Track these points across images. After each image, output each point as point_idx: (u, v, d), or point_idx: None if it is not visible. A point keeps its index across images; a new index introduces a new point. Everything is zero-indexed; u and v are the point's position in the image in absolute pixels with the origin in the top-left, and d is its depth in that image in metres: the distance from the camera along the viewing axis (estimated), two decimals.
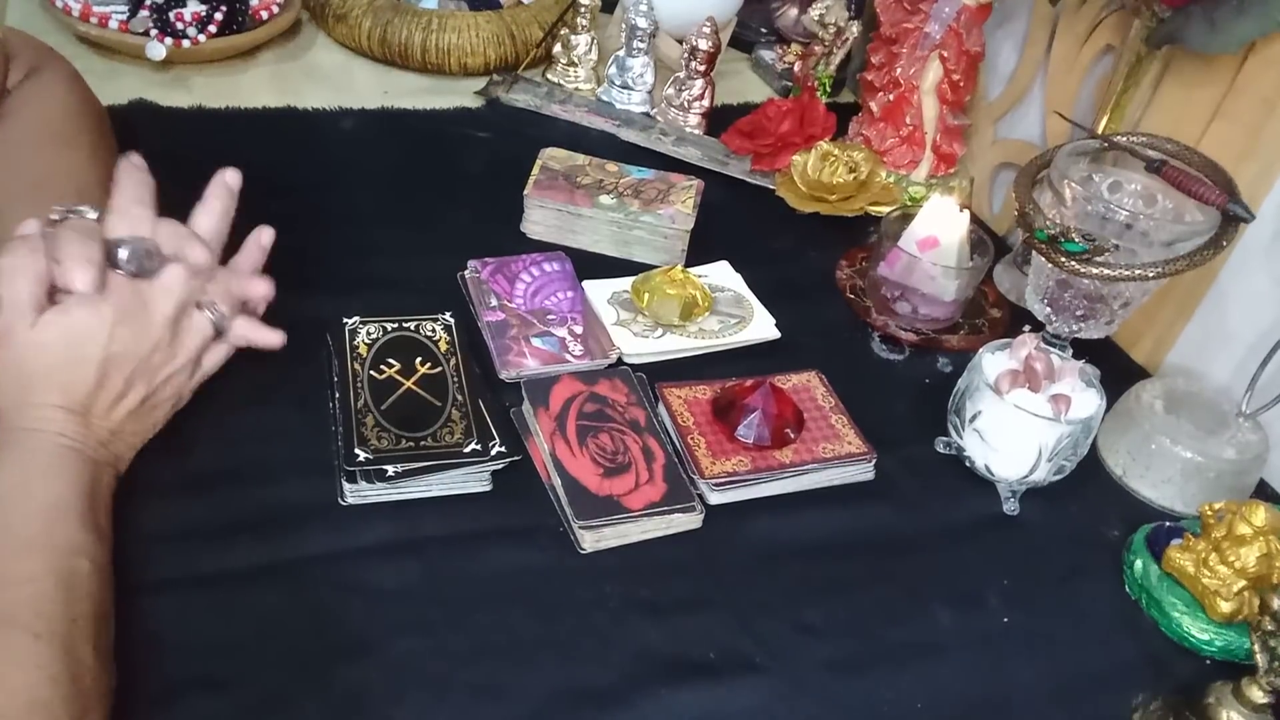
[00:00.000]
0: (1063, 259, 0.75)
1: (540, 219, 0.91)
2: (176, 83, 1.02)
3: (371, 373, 0.71)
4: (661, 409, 0.74)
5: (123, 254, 0.61)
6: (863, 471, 0.74)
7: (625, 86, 1.14)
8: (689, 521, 0.68)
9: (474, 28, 1.12)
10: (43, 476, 0.56)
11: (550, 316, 0.81)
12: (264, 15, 1.08)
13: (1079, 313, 0.80)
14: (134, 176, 0.65)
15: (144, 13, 1.00)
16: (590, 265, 0.88)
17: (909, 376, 0.86)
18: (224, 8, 1.03)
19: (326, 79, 1.09)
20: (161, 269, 0.62)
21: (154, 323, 0.61)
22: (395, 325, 0.75)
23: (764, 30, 1.31)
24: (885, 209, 0.99)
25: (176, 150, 0.92)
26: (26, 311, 0.58)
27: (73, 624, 0.50)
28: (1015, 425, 0.71)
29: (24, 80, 0.76)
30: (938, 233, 0.87)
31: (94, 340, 0.59)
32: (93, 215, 0.63)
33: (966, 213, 0.88)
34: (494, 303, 0.81)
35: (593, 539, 0.65)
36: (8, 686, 0.46)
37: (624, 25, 1.12)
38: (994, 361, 0.75)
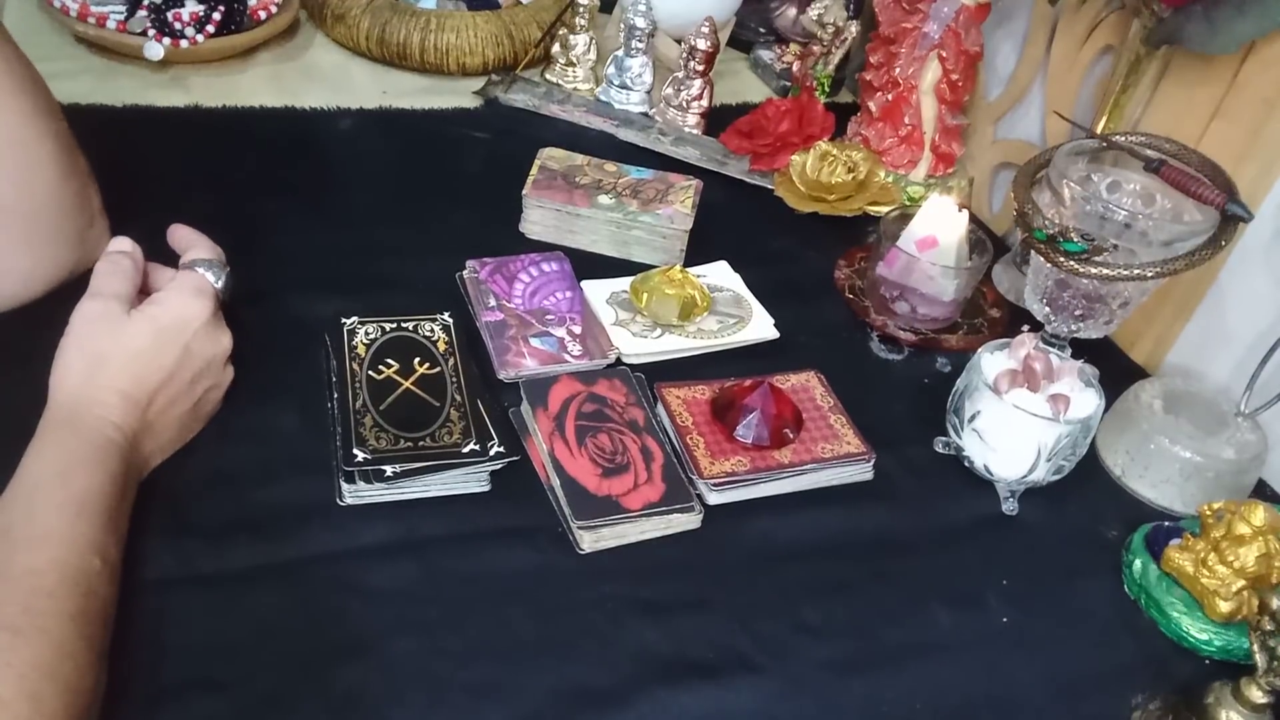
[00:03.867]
0: (1061, 259, 0.75)
1: (539, 219, 0.91)
2: (174, 83, 1.02)
3: (370, 373, 0.71)
4: (660, 409, 0.74)
5: (221, 277, 0.68)
6: (861, 471, 0.74)
7: (624, 86, 1.13)
8: (688, 522, 0.68)
9: (472, 28, 1.12)
10: (85, 465, 0.56)
11: (549, 316, 0.81)
12: (262, 15, 1.08)
13: (1078, 312, 0.80)
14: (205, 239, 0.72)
15: (142, 13, 1.00)
16: (589, 265, 0.88)
17: (908, 376, 0.86)
18: (222, 8, 1.02)
19: (325, 79, 1.09)
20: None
21: (221, 339, 0.67)
22: (394, 325, 0.75)
23: (762, 30, 1.31)
24: (884, 209, 0.99)
25: (174, 150, 0.93)
26: (123, 303, 0.63)
27: (68, 621, 0.49)
28: (1014, 425, 0.71)
29: None
30: (937, 232, 0.86)
31: (181, 332, 0.63)
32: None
33: (965, 212, 0.88)
34: (492, 303, 0.81)
35: (591, 539, 0.65)
36: None
37: (622, 25, 1.12)
38: (993, 361, 0.75)
